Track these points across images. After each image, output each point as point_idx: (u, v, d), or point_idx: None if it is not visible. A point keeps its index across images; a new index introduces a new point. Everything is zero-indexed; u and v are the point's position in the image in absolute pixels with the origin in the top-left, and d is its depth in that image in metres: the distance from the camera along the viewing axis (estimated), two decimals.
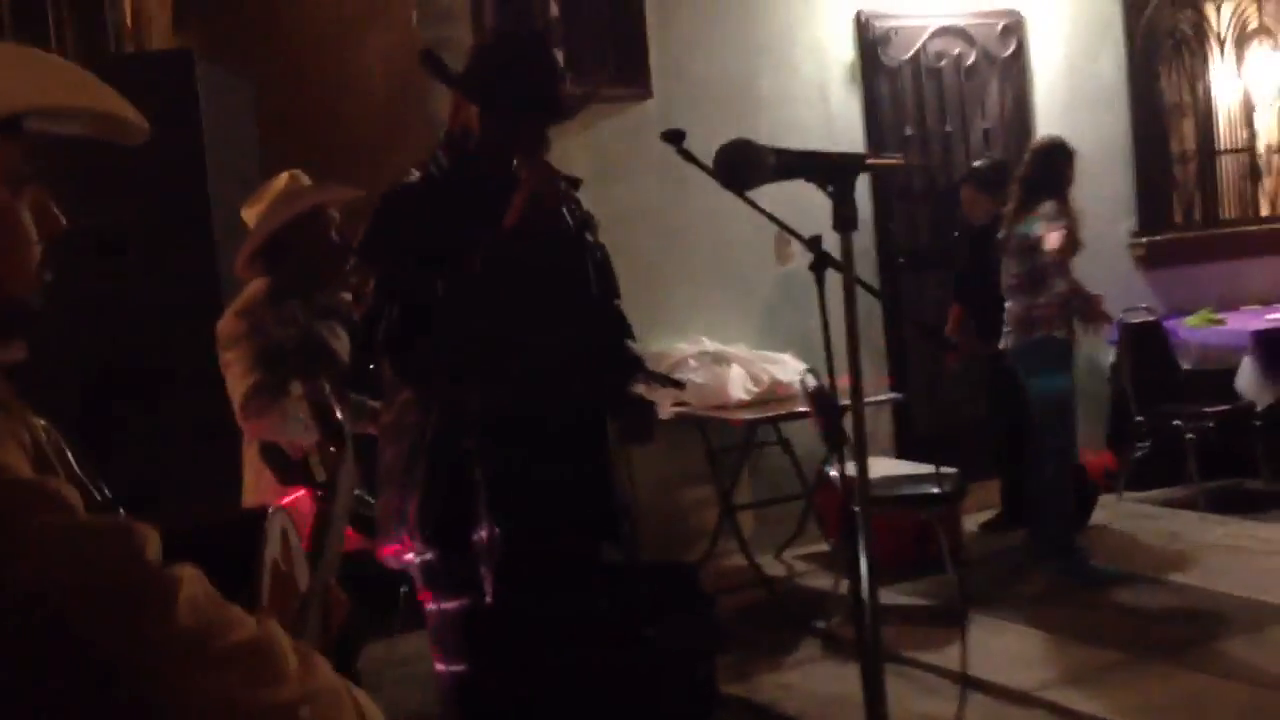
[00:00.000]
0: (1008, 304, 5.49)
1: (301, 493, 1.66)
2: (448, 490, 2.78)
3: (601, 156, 5.78)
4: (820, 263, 2.16)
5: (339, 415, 1.74)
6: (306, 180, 3.46)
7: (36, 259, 1.28)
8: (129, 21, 5.37)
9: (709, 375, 5.72)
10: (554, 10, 5.89)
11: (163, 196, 3.44)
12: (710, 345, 5.96)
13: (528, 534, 2.79)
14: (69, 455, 1.29)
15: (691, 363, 5.80)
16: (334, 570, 1.64)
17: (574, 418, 2.93)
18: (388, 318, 2.74)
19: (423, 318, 2.70)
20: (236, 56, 5.29)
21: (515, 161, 2.75)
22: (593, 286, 3.03)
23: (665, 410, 5.69)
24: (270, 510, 1.44)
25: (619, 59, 6.10)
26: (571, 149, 5.74)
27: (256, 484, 3.30)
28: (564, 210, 2.89)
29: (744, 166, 2.15)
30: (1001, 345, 5.57)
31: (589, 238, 3.05)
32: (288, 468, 1.68)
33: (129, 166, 3.94)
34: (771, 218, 2.36)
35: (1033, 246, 5.32)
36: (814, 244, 2.18)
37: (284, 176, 3.44)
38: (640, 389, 3.18)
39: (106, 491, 1.32)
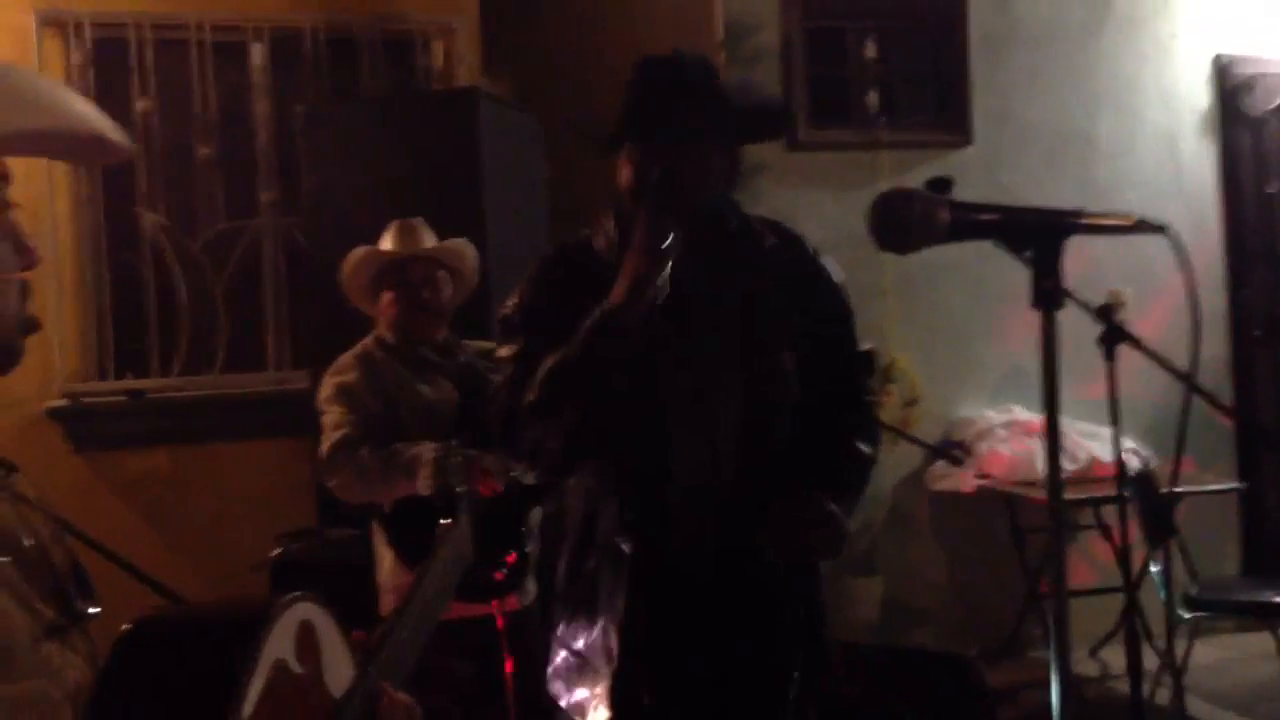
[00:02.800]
0: None
1: None
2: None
3: None
4: (1112, 335, 1.74)
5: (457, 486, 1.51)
6: (421, 233, 3.34)
7: (16, 294, 1.18)
8: (440, 62, 5.46)
9: (1019, 447, 5.21)
10: (870, 51, 5.57)
11: (439, 229, 3.40)
12: (1022, 414, 5.44)
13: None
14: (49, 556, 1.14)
15: (1000, 432, 5.30)
16: (402, 668, 1.40)
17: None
18: (511, 393, 2.42)
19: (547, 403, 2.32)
20: (540, 96, 5.27)
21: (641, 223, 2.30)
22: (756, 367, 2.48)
23: (968, 484, 5.27)
24: (290, 599, 1.23)
25: (939, 102, 5.71)
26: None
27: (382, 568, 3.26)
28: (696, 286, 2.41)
29: (903, 224, 1.69)
30: None
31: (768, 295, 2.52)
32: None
33: (407, 200, 3.95)
34: (1047, 279, 1.94)
35: None
36: (1104, 314, 1.75)
37: (398, 224, 3.36)
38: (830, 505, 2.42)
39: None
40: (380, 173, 4.33)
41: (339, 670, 1.31)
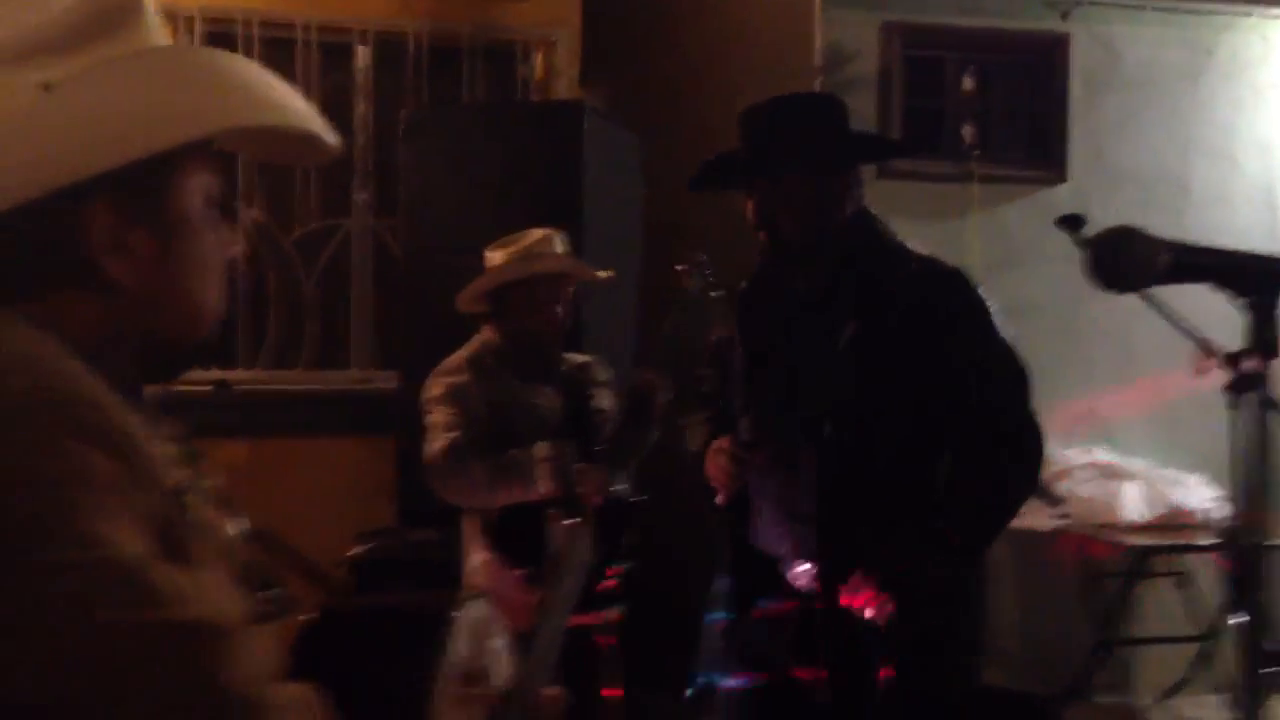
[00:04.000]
0: None
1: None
2: None
3: (1003, 240, 5.40)
4: (1240, 384, 1.72)
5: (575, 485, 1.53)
6: (559, 246, 3.33)
7: (222, 289, 1.20)
8: (539, 73, 5.50)
9: (1099, 490, 5.17)
10: (968, 84, 5.56)
11: None
12: (1104, 457, 5.39)
13: None
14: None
15: (1080, 474, 5.26)
16: (547, 665, 1.42)
17: None
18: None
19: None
20: (636, 112, 5.29)
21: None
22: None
23: (1045, 523, 5.22)
24: (464, 598, 1.25)
25: (1034, 138, 5.69)
26: (968, 229, 5.40)
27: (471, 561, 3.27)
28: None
29: (1123, 263, 1.70)
30: None
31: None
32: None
33: (506, 209, 3.98)
34: (1178, 324, 1.92)
35: None
36: (1234, 360, 1.73)
37: (538, 233, 3.31)
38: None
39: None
40: (480, 180, 4.37)
41: (500, 665, 1.33)
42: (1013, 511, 2.57)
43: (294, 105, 1.16)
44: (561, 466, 2.95)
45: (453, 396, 3.17)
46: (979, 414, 2.52)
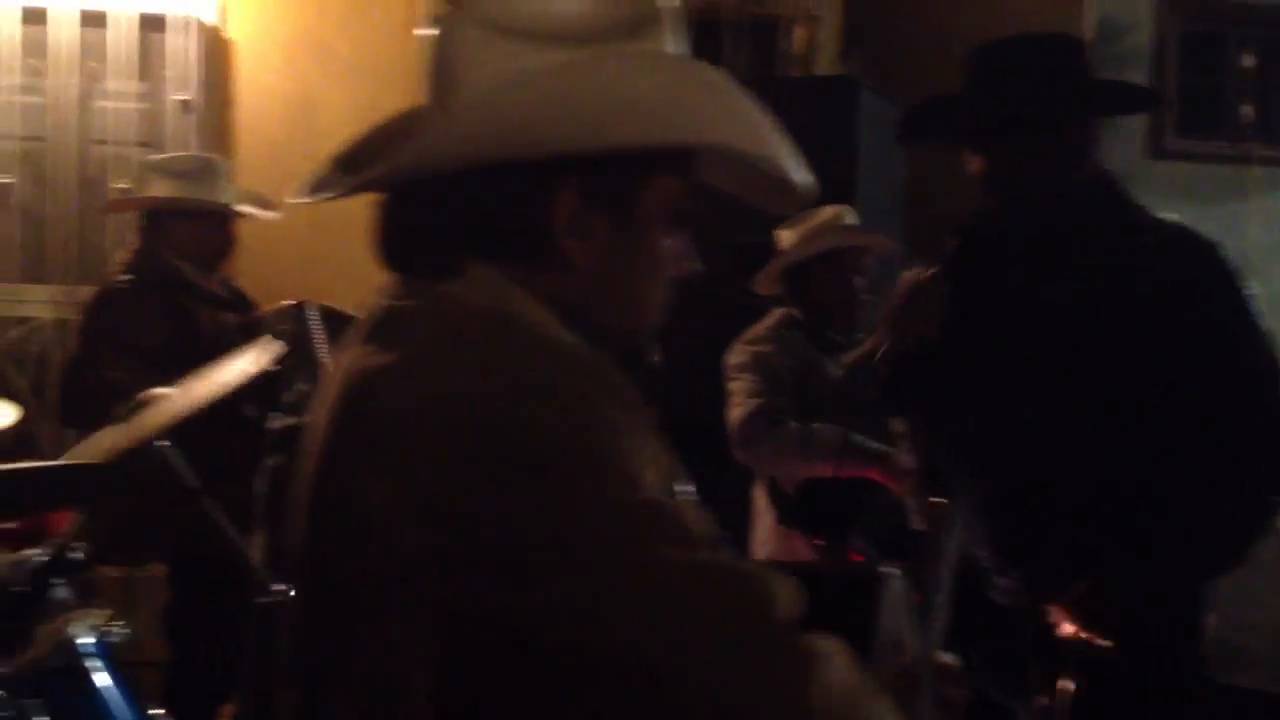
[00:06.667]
0: None
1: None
2: None
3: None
4: None
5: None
6: (851, 219, 3.34)
7: (664, 300, 1.23)
8: (800, 48, 5.49)
9: None
10: (1249, 61, 5.32)
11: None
12: None
13: None
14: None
15: None
16: (943, 631, 1.44)
17: None
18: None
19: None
20: (898, 87, 5.23)
21: None
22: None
23: None
24: (886, 572, 1.27)
25: None
26: (1244, 214, 5.18)
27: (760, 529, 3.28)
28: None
29: None
30: None
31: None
32: (789, 509, 1.52)
33: None
34: None
35: None
36: None
37: (830, 210, 3.32)
38: None
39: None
40: None
41: (904, 632, 1.35)
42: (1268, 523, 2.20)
43: (785, 147, 1.17)
44: (869, 450, 2.98)
45: (756, 364, 3.22)
46: (1230, 406, 2.16)
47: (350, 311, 3.93)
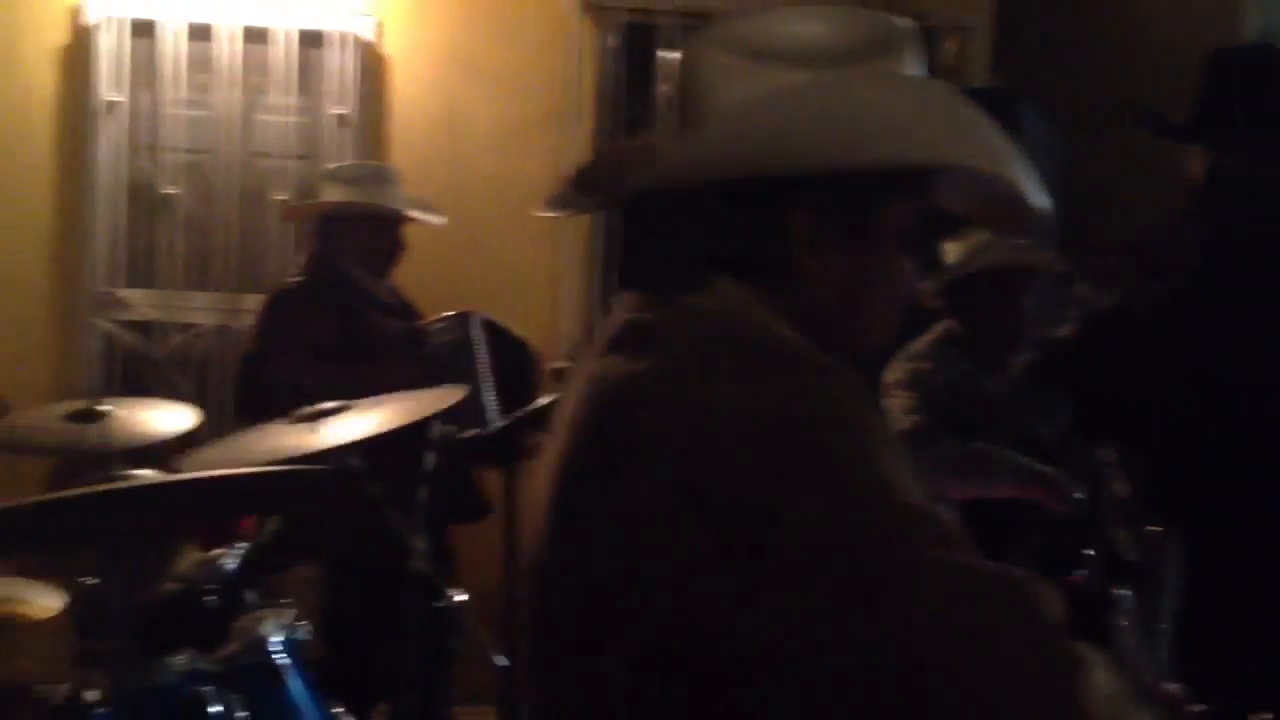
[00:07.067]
0: None
1: None
2: None
3: None
4: None
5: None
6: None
7: (891, 321, 1.25)
8: (950, 60, 5.44)
9: None
10: None
11: None
12: None
13: None
14: None
15: None
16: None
17: None
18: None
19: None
20: (1050, 103, 5.17)
21: None
22: None
23: None
24: (1118, 594, 1.26)
25: None
26: None
27: None
28: None
29: None
30: None
31: None
32: None
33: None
34: None
35: None
36: None
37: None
38: None
39: None
40: None
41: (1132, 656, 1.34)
42: None
43: (1024, 170, 1.17)
44: (1031, 471, 2.94)
45: (914, 381, 3.20)
46: None
47: (507, 325, 4.03)
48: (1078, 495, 2.85)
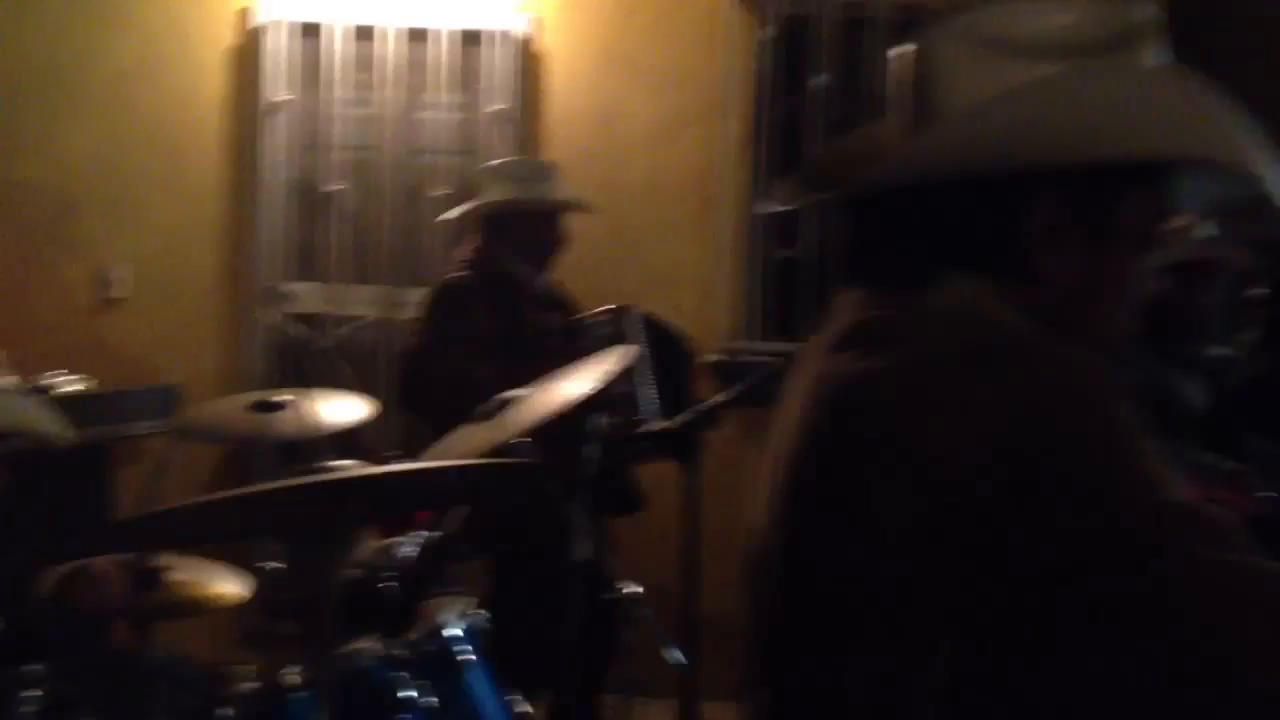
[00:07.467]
0: None
1: None
2: None
3: None
4: None
5: None
6: (1206, 230, 3.15)
7: (1132, 320, 1.23)
8: None
9: None
10: None
11: None
12: None
13: None
14: None
15: None
16: None
17: None
18: None
19: None
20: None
21: None
22: None
23: None
24: None
25: None
26: None
27: None
28: None
29: None
30: None
31: None
32: None
33: None
34: None
35: None
36: None
37: (1181, 219, 3.14)
38: None
39: None
40: None
41: None
42: None
43: (1272, 164, 1.13)
44: (1216, 469, 2.85)
45: None
46: None
47: (665, 320, 4.04)
48: (1267, 494, 2.77)
